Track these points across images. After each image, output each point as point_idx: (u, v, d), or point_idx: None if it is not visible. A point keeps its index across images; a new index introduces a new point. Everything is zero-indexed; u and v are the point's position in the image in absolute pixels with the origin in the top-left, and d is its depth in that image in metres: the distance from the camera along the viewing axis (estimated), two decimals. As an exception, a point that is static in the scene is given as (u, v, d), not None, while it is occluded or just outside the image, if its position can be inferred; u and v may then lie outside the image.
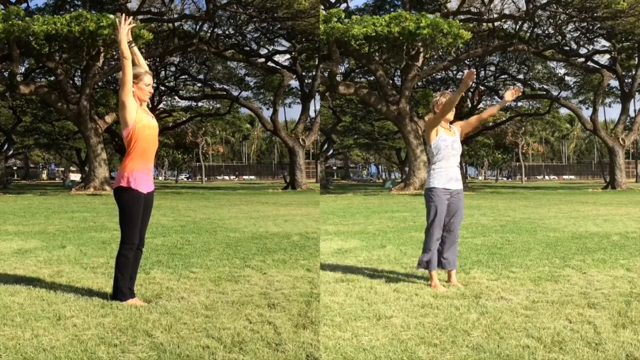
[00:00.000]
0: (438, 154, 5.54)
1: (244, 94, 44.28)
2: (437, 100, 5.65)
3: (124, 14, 5.02)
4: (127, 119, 4.75)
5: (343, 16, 26.51)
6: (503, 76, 43.88)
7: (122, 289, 4.75)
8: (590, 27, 33.74)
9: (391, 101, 29.84)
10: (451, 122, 5.76)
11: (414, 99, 34.19)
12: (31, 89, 30.15)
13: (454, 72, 44.75)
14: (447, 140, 5.58)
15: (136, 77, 4.79)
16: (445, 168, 5.54)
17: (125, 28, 4.82)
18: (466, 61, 39.96)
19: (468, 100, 47.50)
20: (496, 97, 45.97)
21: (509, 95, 5.80)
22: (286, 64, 38.26)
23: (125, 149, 4.84)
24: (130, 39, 4.86)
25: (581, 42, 35.72)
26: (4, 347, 3.64)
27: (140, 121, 4.79)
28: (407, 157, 36.20)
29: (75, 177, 66.87)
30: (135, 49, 4.93)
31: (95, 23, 25.77)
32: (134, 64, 4.85)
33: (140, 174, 4.80)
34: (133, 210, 4.80)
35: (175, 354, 3.56)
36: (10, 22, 25.31)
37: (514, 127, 60.12)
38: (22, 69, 34.60)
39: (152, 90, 5.03)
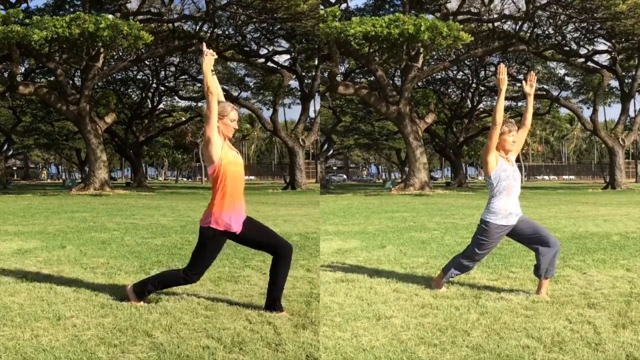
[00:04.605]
0: (499, 184, 5.07)
1: (244, 94, 44.31)
2: (502, 132, 5.08)
3: (204, 45, 4.72)
4: (212, 156, 4.50)
5: (338, 14, 26.44)
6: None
7: (147, 293, 4.73)
8: (590, 28, 33.75)
9: (391, 102, 29.84)
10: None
11: (414, 100, 34.18)
12: (30, 89, 30.15)
13: (454, 73, 44.80)
14: (508, 170, 5.10)
15: (222, 113, 4.56)
16: (506, 203, 5.07)
17: (210, 61, 4.57)
18: (466, 61, 40.01)
19: (468, 100, 47.56)
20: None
21: (528, 87, 5.30)
22: (286, 64, 38.29)
23: (212, 187, 4.58)
24: (213, 69, 4.59)
25: (581, 43, 35.73)
26: (3, 347, 3.64)
27: (227, 157, 4.54)
28: (407, 157, 36.21)
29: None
30: (215, 78, 4.63)
31: (94, 24, 25.72)
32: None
33: (228, 215, 4.55)
34: (209, 250, 4.63)
35: (175, 354, 3.56)
36: (9, 27, 25.21)
37: (514, 128, 60.03)
38: (22, 69, 34.61)
39: (237, 127, 4.77)
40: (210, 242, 4.59)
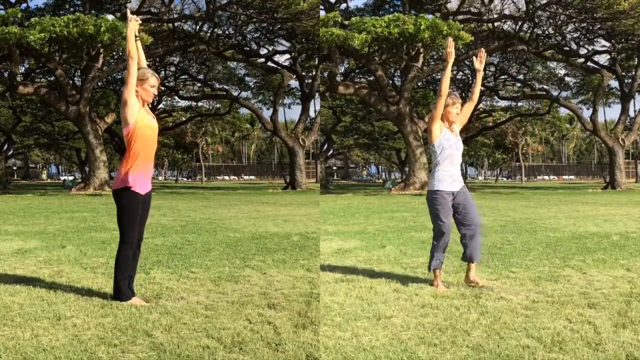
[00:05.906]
0: (442, 153, 5.35)
1: (244, 94, 44.27)
2: (446, 104, 5.38)
3: (128, 11, 5.06)
4: (128, 118, 4.70)
5: (340, 19, 26.43)
6: (503, 76, 43.89)
7: (123, 289, 4.75)
8: (590, 28, 33.74)
9: (391, 102, 29.84)
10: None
11: (413, 100, 34.18)
12: (30, 89, 30.12)
13: (454, 73, 44.74)
14: (451, 139, 5.39)
15: (142, 78, 4.76)
16: (450, 170, 5.36)
17: (134, 26, 4.82)
18: (466, 61, 39.98)
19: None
20: (496, 97, 46.04)
21: (478, 64, 5.60)
22: (286, 64, 38.28)
23: (125, 149, 4.79)
24: (137, 34, 4.84)
25: (581, 43, 35.73)
26: (4, 347, 3.64)
27: (142, 121, 4.75)
28: (407, 157, 36.20)
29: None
30: (139, 43, 4.87)
31: (94, 26, 25.67)
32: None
33: (140, 175, 4.77)
34: (132, 210, 4.78)
35: (175, 354, 3.56)
36: (7, 29, 25.13)
37: (514, 128, 60.15)
38: (22, 69, 34.59)
39: (157, 92, 5.00)
40: (129, 202, 4.74)
